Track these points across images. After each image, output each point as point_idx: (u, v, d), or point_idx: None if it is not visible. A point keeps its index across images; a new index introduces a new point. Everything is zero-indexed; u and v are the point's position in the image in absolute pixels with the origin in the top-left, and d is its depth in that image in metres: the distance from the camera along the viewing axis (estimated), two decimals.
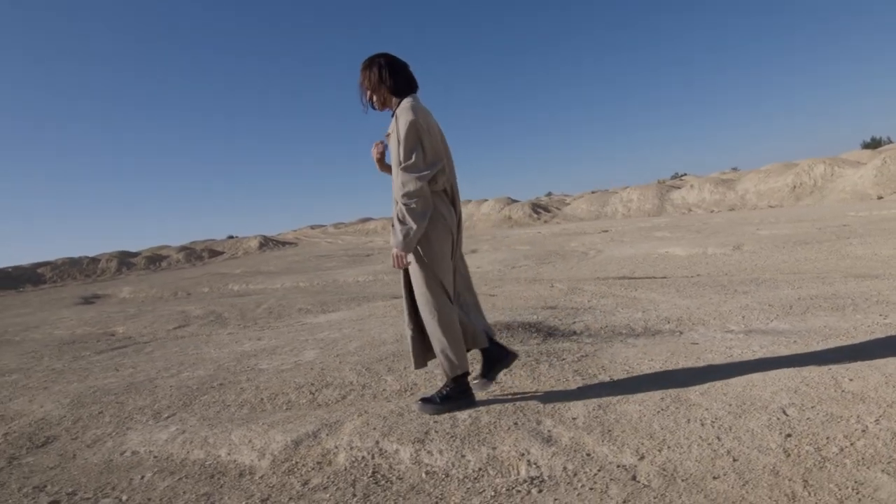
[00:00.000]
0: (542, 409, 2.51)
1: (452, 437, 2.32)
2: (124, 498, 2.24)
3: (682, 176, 40.88)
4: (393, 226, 2.52)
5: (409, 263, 2.53)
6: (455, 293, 2.66)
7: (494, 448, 2.22)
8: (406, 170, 2.45)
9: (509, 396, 2.76)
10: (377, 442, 2.36)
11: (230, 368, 4.16)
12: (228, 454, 2.53)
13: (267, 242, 39.87)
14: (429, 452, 2.24)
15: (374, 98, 2.63)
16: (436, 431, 2.37)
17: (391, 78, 2.56)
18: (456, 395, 2.59)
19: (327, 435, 2.49)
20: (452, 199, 2.67)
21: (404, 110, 2.49)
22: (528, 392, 2.82)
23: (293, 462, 2.34)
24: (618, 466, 2.03)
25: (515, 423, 2.38)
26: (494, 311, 5.25)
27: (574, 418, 2.39)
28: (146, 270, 33.10)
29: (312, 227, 47.42)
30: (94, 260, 36.30)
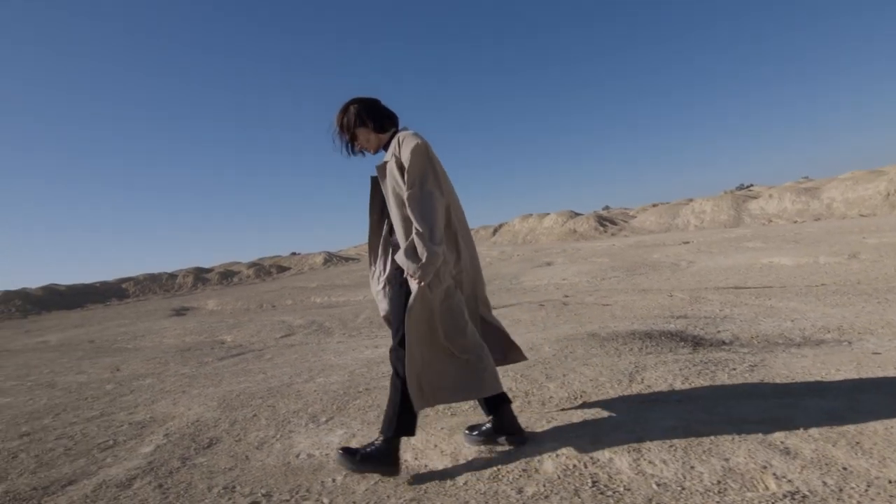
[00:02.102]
0: (760, 419, 2.28)
1: (672, 447, 2.13)
2: (326, 501, 2.17)
3: (748, 186, 39.06)
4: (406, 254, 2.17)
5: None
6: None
7: (727, 459, 2.01)
8: (417, 196, 2.18)
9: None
10: (585, 450, 2.19)
11: (364, 374, 4.12)
12: (416, 458, 2.42)
13: (331, 258, 40.80)
14: (650, 462, 2.06)
15: (359, 140, 2.42)
16: (650, 440, 2.19)
17: (370, 117, 2.38)
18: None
19: (528, 440, 2.35)
20: (457, 242, 2.36)
21: (409, 136, 2.27)
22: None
23: (494, 469, 2.21)
24: (889, 482, 1.78)
25: (739, 433, 2.16)
26: (619, 319, 5.01)
27: (805, 429, 2.15)
28: (220, 285, 34.53)
29: None
30: (172, 276, 38.26)
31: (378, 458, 2.24)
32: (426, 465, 2.35)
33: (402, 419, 2.24)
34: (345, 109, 2.42)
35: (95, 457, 3.09)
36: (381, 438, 2.27)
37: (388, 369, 4.22)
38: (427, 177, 2.20)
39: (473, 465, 2.27)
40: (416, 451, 2.48)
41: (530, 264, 15.56)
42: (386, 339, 5.83)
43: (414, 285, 2.16)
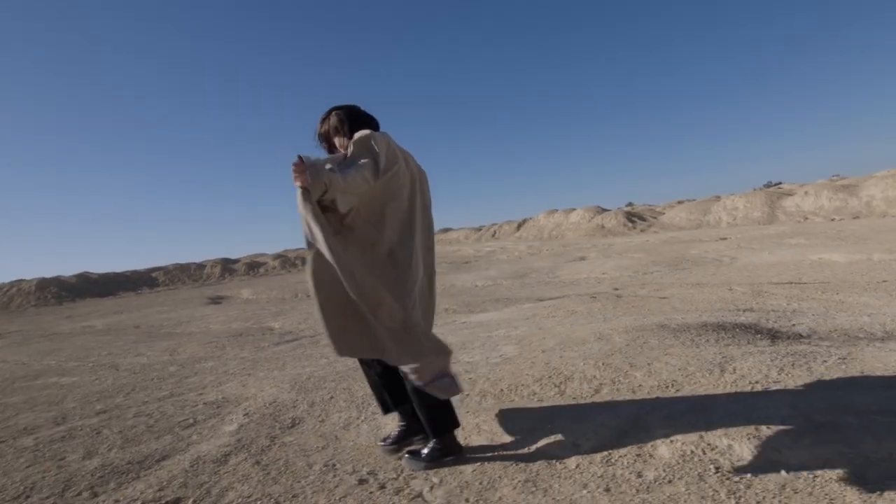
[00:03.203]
0: (880, 409, 2.20)
1: (793, 434, 2.06)
2: (436, 480, 2.15)
3: (777, 184, 38.18)
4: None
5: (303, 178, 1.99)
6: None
7: (855, 447, 1.94)
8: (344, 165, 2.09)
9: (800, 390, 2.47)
10: (701, 436, 2.15)
11: None
12: (519, 443, 2.40)
13: None
14: (774, 449, 2.00)
15: (337, 148, 2.36)
16: (767, 427, 2.13)
17: (348, 125, 2.32)
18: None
19: (633, 426, 2.31)
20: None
21: (362, 132, 2.21)
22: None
23: (606, 453, 2.17)
24: None
25: (862, 422, 2.09)
26: (681, 312, 4.92)
27: None
28: (247, 276, 34.97)
29: None
30: (201, 266, 38.88)
31: (444, 451, 2.27)
32: (502, 446, 2.33)
33: (442, 416, 2.27)
34: (325, 119, 2.39)
35: (179, 434, 3.13)
36: (434, 441, 2.28)
37: (456, 356, 4.20)
38: (360, 158, 2.12)
39: (581, 449, 2.23)
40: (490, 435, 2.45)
41: (563, 259, 15.44)
42: (438, 329, 5.82)
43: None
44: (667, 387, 2.86)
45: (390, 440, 2.50)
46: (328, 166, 2.02)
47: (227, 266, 38.08)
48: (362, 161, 2.10)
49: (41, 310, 24.55)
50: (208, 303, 13.86)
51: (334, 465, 2.43)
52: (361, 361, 2.54)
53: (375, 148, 2.15)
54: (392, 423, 2.71)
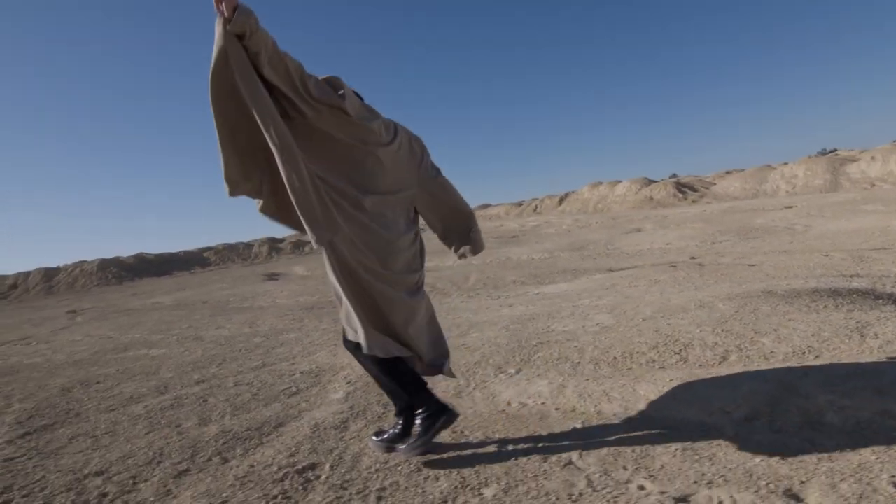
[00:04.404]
0: None
1: None
2: (582, 446, 2.06)
3: (832, 151, 36.15)
4: None
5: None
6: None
7: None
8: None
9: None
10: (871, 402, 1.97)
11: (521, 330, 4.01)
12: (659, 410, 2.28)
13: None
14: None
15: None
16: None
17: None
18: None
19: (785, 393, 2.16)
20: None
21: None
22: None
23: (765, 420, 2.03)
24: None
25: None
26: (778, 279, 4.66)
27: None
28: (293, 254, 35.62)
29: None
30: (249, 245, 39.83)
31: (432, 421, 2.07)
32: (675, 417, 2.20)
33: (407, 387, 2.10)
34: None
35: (287, 402, 3.13)
36: (421, 414, 2.09)
37: (543, 326, 4.09)
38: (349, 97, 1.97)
39: (734, 419, 2.09)
40: (664, 403, 2.33)
41: (617, 231, 15.04)
42: (517, 300, 5.72)
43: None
44: (803, 353, 2.68)
45: (386, 437, 2.22)
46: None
47: (273, 245, 38.90)
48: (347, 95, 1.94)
49: (104, 289, 25.67)
50: (265, 280, 14.13)
51: (462, 431, 2.36)
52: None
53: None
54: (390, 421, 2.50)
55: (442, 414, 2.10)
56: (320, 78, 1.98)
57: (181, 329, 6.37)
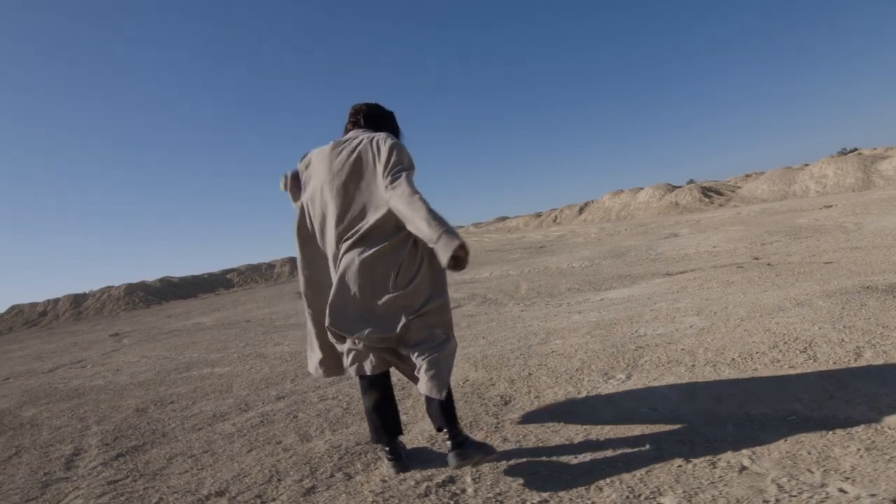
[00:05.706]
0: None
1: None
2: (754, 446, 1.92)
3: (853, 150, 35.49)
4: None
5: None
6: None
7: None
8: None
9: None
10: None
11: (608, 336, 3.87)
12: (812, 410, 2.13)
13: None
14: None
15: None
16: None
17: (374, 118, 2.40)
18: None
19: None
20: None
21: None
22: None
23: (833, 430, 1.88)
24: None
25: None
26: (869, 275, 4.47)
27: None
28: None
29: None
30: (271, 265, 40.18)
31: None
32: (828, 415, 2.05)
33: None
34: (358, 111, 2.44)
35: None
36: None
37: (630, 330, 3.95)
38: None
39: (804, 421, 1.94)
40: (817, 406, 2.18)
41: (652, 237, 14.82)
42: (581, 307, 5.58)
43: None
44: None
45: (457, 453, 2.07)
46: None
47: (295, 265, 39.10)
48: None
49: (132, 312, 25.97)
50: (297, 298, 14.12)
51: (597, 438, 2.23)
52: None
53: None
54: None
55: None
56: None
57: (238, 347, 6.32)
